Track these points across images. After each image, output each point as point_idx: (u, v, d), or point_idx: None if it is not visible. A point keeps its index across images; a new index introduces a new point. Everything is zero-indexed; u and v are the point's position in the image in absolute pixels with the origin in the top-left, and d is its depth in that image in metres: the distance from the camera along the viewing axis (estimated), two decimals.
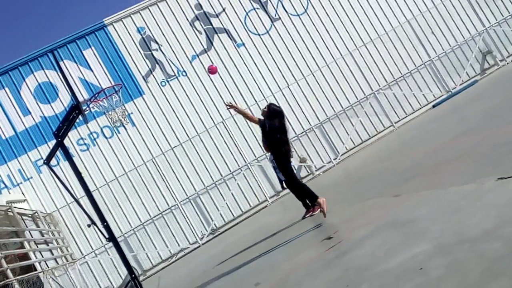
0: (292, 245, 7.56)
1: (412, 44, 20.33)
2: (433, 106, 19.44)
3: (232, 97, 18.42)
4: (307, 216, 8.39)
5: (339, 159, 18.62)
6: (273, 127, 8.13)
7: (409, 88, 19.86)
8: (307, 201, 8.43)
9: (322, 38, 19.75)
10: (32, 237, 13.93)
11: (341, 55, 19.68)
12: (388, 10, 20.57)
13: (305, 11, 19.87)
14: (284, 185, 8.81)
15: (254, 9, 19.49)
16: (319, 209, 7.83)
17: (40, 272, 11.77)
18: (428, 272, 3.41)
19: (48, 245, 14.87)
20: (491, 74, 20.19)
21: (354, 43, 19.94)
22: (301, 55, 19.43)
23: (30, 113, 17.13)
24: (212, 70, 8.58)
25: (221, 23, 19.06)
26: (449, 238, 3.86)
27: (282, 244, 8.18)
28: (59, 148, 7.80)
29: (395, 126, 19.16)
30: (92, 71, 17.72)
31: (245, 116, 8.52)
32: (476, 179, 5.16)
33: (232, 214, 17.47)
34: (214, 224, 17.32)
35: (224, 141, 18.03)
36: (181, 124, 17.95)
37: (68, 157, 7.82)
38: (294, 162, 18.29)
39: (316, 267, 5.32)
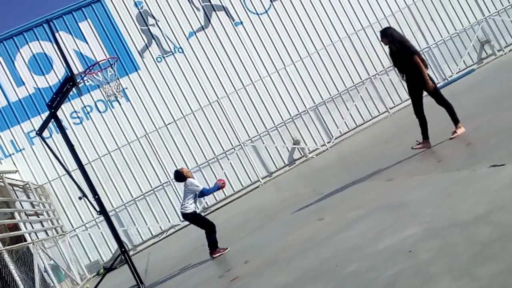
0: (283, 225, 7.60)
1: (411, 30, 20.24)
2: None
3: (227, 75, 18.32)
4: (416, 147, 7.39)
5: (333, 142, 18.64)
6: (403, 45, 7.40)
7: None
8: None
9: (321, 20, 19.59)
10: (22, 208, 13.91)
11: (339, 38, 19.56)
12: None
13: None
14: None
15: None
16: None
17: (30, 243, 11.74)
18: (417, 254, 3.43)
19: (39, 217, 14.87)
20: (488, 64, 20.18)
21: (353, 26, 19.81)
22: (299, 37, 19.30)
23: (23, 84, 16.96)
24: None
25: (220, 0, 18.84)
26: (441, 222, 3.88)
27: (274, 223, 8.22)
28: (52, 119, 7.76)
29: (390, 112, 19.17)
30: (87, 43, 17.52)
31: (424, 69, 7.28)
32: (469, 165, 5.17)
33: (224, 193, 17.49)
34: (206, 203, 17.36)
35: (219, 120, 17.98)
36: (176, 101, 17.86)
37: (61, 129, 7.78)
38: (288, 144, 18.32)
39: (306, 246, 5.35)
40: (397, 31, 7.76)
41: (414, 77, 7.34)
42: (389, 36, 7.54)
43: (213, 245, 7.81)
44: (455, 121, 7.21)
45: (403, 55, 7.37)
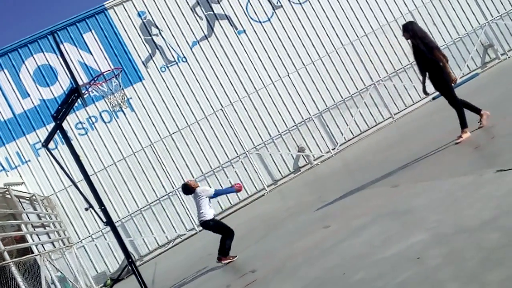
0: (289, 233, 7.58)
1: None
2: (433, 99, 19.38)
3: (231, 84, 18.37)
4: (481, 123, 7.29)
5: (338, 149, 18.61)
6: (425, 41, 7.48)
7: (409, 80, 19.80)
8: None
9: (323, 27, 19.63)
10: (29, 220, 13.92)
11: (342, 44, 19.58)
12: (391, 1, 20.42)
13: None
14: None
15: None
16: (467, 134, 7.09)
17: (37, 255, 11.74)
18: (425, 261, 3.41)
19: (45, 228, 14.87)
20: (492, 68, 20.13)
21: (355, 33, 19.83)
22: (302, 44, 19.33)
23: (29, 95, 17.05)
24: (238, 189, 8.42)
25: (223, 9, 18.92)
26: (447, 228, 3.86)
27: (280, 232, 8.20)
28: (58, 131, 7.78)
29: (394, 118, 19.14)
30: (91, 54, 17.62)
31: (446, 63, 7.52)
32: (475, 170, 5.15)
33: (229, 202, 17.48)
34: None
35: (223, 128, 17.99)
36: (180, 111, 17.90)
37: (67, 140, 7.80)
38: (293, 151, 18.31)
39: (313, 254, 5.33)
40: (419, 26, 7.93)
41: (435, 72, 7.45)
42: (410, 31, 7.65)
43: (225, 252, 7.80)
44: (463, 125, 7.22)
45: (423, 51, 7.47)
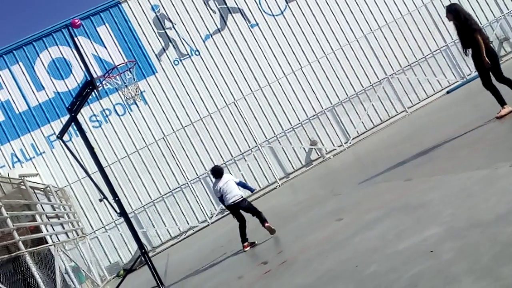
0: (301, 226, 7.59)
1: (428, 28, 20.05)
2: (447, 92, 19.22)
3: (244, 77, 18.37)
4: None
5: (350, 143, 18.55)
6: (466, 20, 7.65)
7: (423, 73, 19.64)
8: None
9: (337, 20, 19.53)
10: (43, 210, 14.10)
11: (355, 38, 19.46)
12: None
13: None
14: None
15: None
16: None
17: (51, 245, 11.91)
18: (438, 255, 3.40)
19: (59, 219, 15.06)
20: (508, 61, 19.86)
21: (369, 26, 19.70)
22: (315, 37, 19.25)
23: (43, 88, 17.23)
24: (74, 24, 8.26)
25: (235, 2, 18.90)
26: (461, 222, 3.84)
27: (292, 225, 8.21)
28: (72, 123, 7.86)
29: (407, 111, 19.01)
30: (105, 48, 17.72)
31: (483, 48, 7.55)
32: (490, 165, 5.11)
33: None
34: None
35: (236, 121, 18.03)
36: (193, 104, 17.96)
37: (81, 132, 7.88)
38: (305, 145, 18.28)
39: (325, 247, 5.34)
40: (462, 8, 7.98)
41: (476, 52, 7.53)
42: (453, 11, 7.80)
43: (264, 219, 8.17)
44: (501, 103, 7.27)
45: (466, 31, 7.60)
